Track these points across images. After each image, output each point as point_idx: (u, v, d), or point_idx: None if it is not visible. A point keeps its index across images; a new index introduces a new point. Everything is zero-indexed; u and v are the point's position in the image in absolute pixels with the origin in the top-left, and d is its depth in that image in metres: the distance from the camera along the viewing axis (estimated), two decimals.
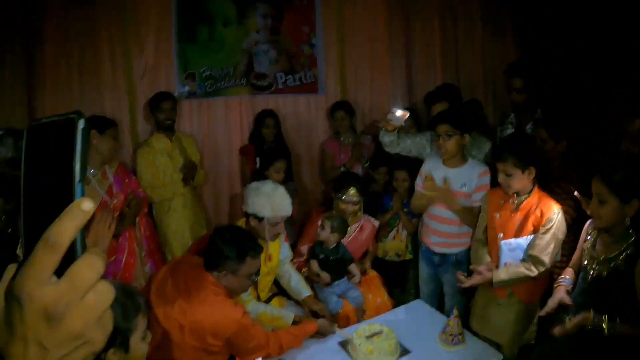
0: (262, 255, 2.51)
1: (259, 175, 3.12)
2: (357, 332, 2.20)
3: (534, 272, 2.15)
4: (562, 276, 2.07)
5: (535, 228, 2.19)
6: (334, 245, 2.72)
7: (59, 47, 3.25)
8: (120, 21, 3.39)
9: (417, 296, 3.18)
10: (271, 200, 2.35)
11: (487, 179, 2.57)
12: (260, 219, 2.36)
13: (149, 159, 3.10)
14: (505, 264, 2.22)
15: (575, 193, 2.13)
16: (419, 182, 2.76)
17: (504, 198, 2.31)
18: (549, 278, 2.31)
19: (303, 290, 2.61)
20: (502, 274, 2.19)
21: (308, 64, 3.86)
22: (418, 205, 2.79)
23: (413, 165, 3.02)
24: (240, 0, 3.62)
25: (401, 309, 2.62)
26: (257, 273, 2.13)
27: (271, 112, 3.56)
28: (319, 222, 2.87)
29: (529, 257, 2.19)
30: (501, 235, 2.27)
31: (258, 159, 3.26)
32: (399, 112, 2.70)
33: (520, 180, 2.19)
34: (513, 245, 2.22)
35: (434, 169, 2.65)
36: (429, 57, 4.02)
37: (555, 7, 3.50)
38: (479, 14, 4.11)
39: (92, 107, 3.30)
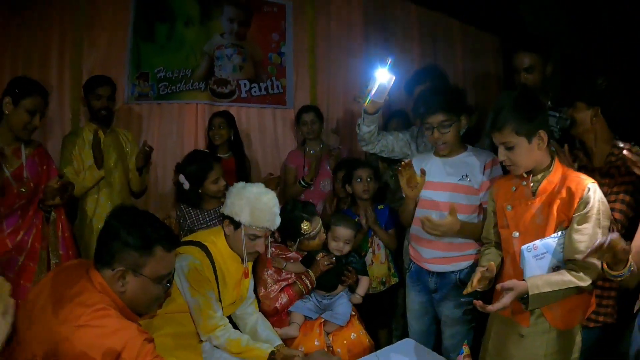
0: (236, 271, 2.03)
1: (193, 196, 2.51)
2: None
3: (586, 280, 1.53)
4: None
5: (565, 216, 1.61)
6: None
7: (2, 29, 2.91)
8: (74, 12, 3.09)
9: (404, 335, 2.59)
10: (252, 205, 1.92)
11: (498, 170, 2.02)
12: (237, 225, 1.95)
13: (75, 150, 2.64)
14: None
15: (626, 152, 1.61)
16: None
17: (515, 183, 1.74)
18: (591, 293, 1.71)
19: (274, 338, 2.05)
20: (541, 285, 1.52)
21: (276, 74, 3.54)
22: (407, 216, 2.20)
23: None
24: (206, 0, 3.37)
25: (386, 351, 2.01)
26: (169, 281, 1.44)
27: (223, 112, 3.12)
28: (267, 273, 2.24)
29: (569, 263, 1.57)
30: (516, 234, 1.69)
31: (182, 177, 2.50)
32: (382, 76, 1.98)
33: (529, 152, 1.63)
34: (540, 250, 1.59)
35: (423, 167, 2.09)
36: (408, 75, 3.73)
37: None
38: (459, 37, 3.92)
39: None
